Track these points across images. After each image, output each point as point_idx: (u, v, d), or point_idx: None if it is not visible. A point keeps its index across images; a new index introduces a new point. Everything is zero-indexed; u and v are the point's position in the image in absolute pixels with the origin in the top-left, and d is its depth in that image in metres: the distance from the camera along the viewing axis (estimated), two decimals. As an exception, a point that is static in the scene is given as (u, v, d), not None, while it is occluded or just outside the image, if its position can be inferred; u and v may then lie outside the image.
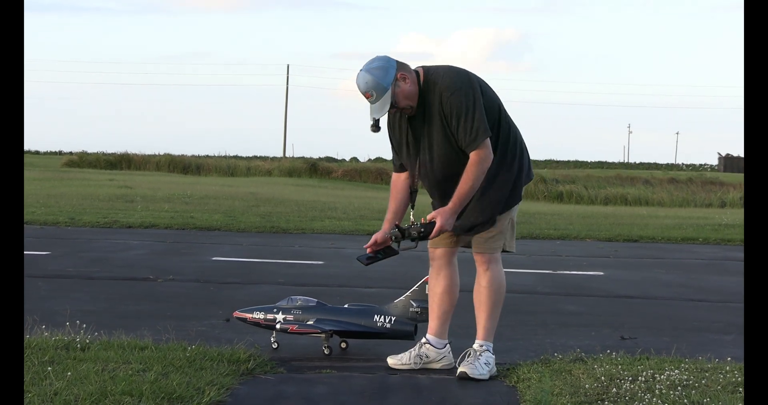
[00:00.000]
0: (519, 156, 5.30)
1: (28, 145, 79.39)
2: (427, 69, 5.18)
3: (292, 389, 4.87)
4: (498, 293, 5.33)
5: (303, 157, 58.97)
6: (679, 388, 4.72)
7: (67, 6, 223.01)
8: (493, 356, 5.32)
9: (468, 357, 5.27)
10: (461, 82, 5.09)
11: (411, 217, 5.29)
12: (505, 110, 5.29)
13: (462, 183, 5.07)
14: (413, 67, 5.19)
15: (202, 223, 15.17)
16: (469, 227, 5.26)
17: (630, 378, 4.90)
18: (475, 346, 5.31)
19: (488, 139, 5.07)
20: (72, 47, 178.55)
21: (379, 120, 5.10)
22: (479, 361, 5.23)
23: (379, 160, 66.05)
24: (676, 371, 5.05)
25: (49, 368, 4.73)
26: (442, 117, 5.09)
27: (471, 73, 5.20)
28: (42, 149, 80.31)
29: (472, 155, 5.06)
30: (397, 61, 5.12)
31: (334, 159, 66.61)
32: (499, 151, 5.20)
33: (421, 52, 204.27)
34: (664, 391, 4.65)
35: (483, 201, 5.21)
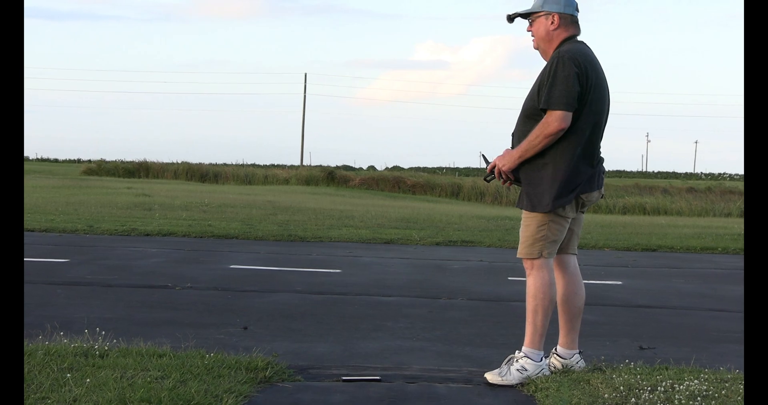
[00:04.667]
0: (567, 160, 5.12)
1: (47, 154, 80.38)
2: (573, 41, 5.22)
3: (309, 397, 4.87)
4: (536, 299, 5.25)
5: (320, 166, 59.10)
6: (698, 398, 4.69)
7: (85, 14, 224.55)
8: (538, 362, 5.26)
9: (504, 362, 5.32)
10: (575, 56, 5.07)
11: None
12: (595, 118, 5.16)
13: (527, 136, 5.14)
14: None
15: (220, 231, 15.20)
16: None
17: (649, 388, 4.88)
18: (517, 351, 5.34)
19: (561, 112, 5.01)
20: (89, 55, 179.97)
21: (514, 17, 5.27)
22: (508, 367, 5.25)
23: (396, 168, 66.09)
24: (696, 381, 5.02)
25: (68, 375, 4.75)
26: (544, 73, 5.12)
27: (597, 64, 5.18)
28: (61, 157, 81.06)
29: (545, 116, 5.09)
30: (573, 12, 5.18)
31: (352, 167, 66.69)
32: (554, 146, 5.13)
33: (437, 60, 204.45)
34: (683, 401, 4.63)
35: (526, 187, 5.25)
